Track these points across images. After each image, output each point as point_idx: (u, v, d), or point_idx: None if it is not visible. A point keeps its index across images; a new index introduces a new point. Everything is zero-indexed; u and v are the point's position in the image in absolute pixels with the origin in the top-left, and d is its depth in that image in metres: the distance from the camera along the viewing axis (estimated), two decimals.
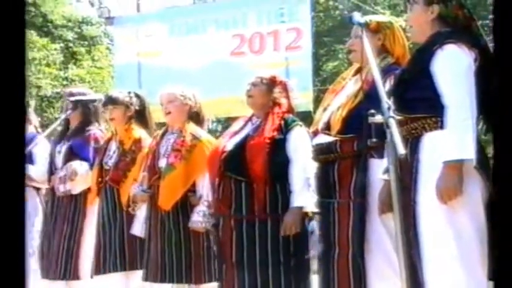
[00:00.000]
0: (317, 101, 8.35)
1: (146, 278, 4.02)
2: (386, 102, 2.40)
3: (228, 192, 3.66)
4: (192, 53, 8.72)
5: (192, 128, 4.11)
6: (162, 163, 4.06)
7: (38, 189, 4.84)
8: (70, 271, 4.42)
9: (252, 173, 3.59)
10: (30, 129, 4.91)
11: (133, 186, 4.19)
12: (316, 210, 3.56)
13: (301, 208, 3.56)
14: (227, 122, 8.57)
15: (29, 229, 4.70)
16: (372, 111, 2.43)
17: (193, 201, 3.98)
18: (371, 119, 2.44)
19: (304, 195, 3.55)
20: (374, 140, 2.65)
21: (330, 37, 19.56)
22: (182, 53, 8.87)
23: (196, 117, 4.18)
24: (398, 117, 2.41)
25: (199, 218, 3.89)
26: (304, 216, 3.62)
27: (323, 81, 17.18)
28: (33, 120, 5.05)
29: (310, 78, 7.75)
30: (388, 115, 2.35)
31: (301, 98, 7.25)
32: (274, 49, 8.20)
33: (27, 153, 4.37)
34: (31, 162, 4.71)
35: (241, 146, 3.66)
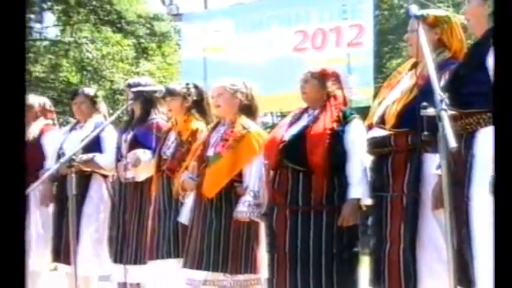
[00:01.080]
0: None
1: (185, 265, 3.98)
2: (440, 94, 2.31)
3: (285, 182, 3.60)
4: (256, 49, 8.70)
5: (243, 119, 4.05)
6: (210, 152, 4.02)
7: (105, 176, 4.86)
8: (141, 256, 4.42)
9: (311, 163, 3.52)
10: (100, 118, 4.97)
11: (183, 175, 4.16)
12: (371, 203, 3.47)
13: (358, 200, 3.48)
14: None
15: (95, 216, 4.75)
16: (425, 104, 2.35)
17: (239, 192, 3.93)
18: (423, 112, 2.35)
19: (362, 187, 3.46)
20: (426, 133, 2.55)
21: (394, 35, 19.27)
22: (247, 48, 8.86)
23: (247, 109, 4.11)
24: (453, 112, 2.31)
25: (244, 208, 3.83)
26: (361, 209, 3.54)
27: (386, 78, 16.95)
28: (102, 109, 5.10)
29: (371, 74, 7.62)
30: (440, 107, 2.26)
31: (362, 93, 7.16)
32: (336, 45, 8.11)
33: (95, 139, 4.38)
34: (100, 150, 4.76)
35: (300, 137, 3.60)
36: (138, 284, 4.52)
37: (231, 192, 3.95)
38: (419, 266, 3.07)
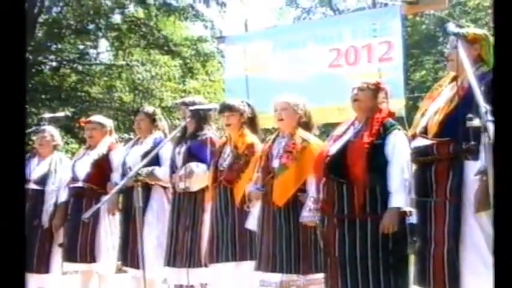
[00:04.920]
0: (406, 107, 8.05)
1: (258, 268, 3.98)
2: (484, 106, 2.24)
3: (331, 193, 3.56)
4: (294, 67, 8.66)
5: (301, 132, 4.05)
6: (275, 163, 4.01)
7: (164, 188, 4.85)
8: (194, 260, 4.41)
9: (352, 175, 3.46)
10: (158, 134, 4.97)
11: (249, 185, 4.15)
12: (413, 210, 3.38)
13: (398, 208, 3.38)
14: (325, 127, 8.46)
15: (155, 224, 4.74)
16: (470, 115, 2.29)
17: (303, 200, 3.90)
18: (469, 123, 2.30)
19: (401, 196, 3.37)
20: (473, 143, 2.49)
21: (417, 49, 19.15)
22: (285, 66, 8.83)
23: (305, 125, 4.12)
24: None
25: (306, 213, 3.83)
26: (404, 216, 3.45)
27: (411, 90, 16.84)
28: (162, 126, 5.09)
29: (402, 86, 7.51)
30: (486, 119, 2.20)
31: (394, 105, 7.07)
32: (368, 61, 8.02)
33: (155, 155, 4.39)
34: (158, 164, 4.76)
35: (342, 151, 3.55)
36: (192, 286, 4.48)
37: (297, 199, 3.93)
38: (463, 266, 3.01)
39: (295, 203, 3.93)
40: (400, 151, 3.44)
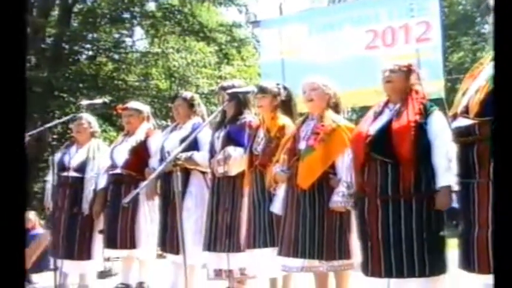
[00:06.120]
0: (445, 89, 7.92)
1: (280, 253, 3.93)
2: None
3: (374, 174, 3.52)
4: (330, 49, 8.57)
5: (331, 114, 3.99)
6: (302, 145, 3.94)
7: (203, 173, 4.82)
8: (233, 244, 4.39)
9: (398, 155, 3.43)
10: (197, 120, 4.95)
11: (274, 167, 4.09)
12: (457, 189, 3.34)
13: (449, 187, 3.36)
14: (362, 111, 8.37)
15: (194, 209, 4.74)
16: None
17: (332, 183, 3.84)
18: None
19: (449, 175, 3.35)
20: None
21: (454, 30, 18.81)
22: (321, 49, 8.75)
23: (335, 107, 4.07)
24: None
25: (339, 198, 3.76)
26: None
27: (449, 72, 16.58)
28: (200, 111, 5.05)
29: (440, 67, 7.38)
30: None
31: (433, 86, 6.95)
32: (406, 42, 7.90)
33: (194, 140, 4.38)
34: (197, 148, 4.74)
35: (386, 130, 3.50)
36: (231, 271, 4.48)
37: (323, 183, 3.86)
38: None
39: (321, 186, 3.85)
40: (443, 131, 3.41)
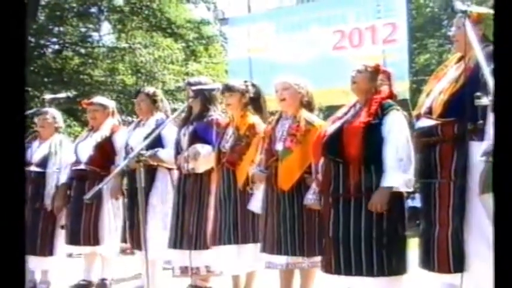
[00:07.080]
0: (410, 90, 8.03)
1: (263, 250, 3.97)
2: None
3: (328, 173, 3.55)
4: (297, 48, 8.63)
5: (305, 114, 4.00)
6: (279, 146, 3.96)
7: (169, 169, 4.81)
8: (199, 242, 4.39)
9: (348, 155, 3.43)
10: (160, 116, 4.92)
11: (252, 168, 4.12)
12: (410, 190, 3.36)
13: (390, 188, 3.33)
14: (329, 110, 8.41)
15: (160, 206, 4.72)
16: (478, 93, 2.25)
17: (309, 182, 3.87)
18: (477, 102, 2.27)
19: (395, 175, 3.32)
20: (480, 122, 2.45)
21: (421, 32, 19.04)
22: (288, 48, 8.80)
23: (308, 105, 4.07)
24: None
25: (310, 196, 3.80)
26: (401, 196, 3.42)
27: (415, 73, 16.78)
28: (163, 107, 5.02)
29: (406, 68, 7.50)
30: None
31: (398, 87, 7.03)
32: (372, 43, 8.02)
33: (157, 136, 4.35)
34: (161, 145, 4.72)
35: (339, 131, 3.52)
36: (198, 268, 4.47)
37: (301, 182, 3.90)
38: (467, 248, 2.98)
39: (300, 187, 3.90)
40: (396, 131, 3.39)
